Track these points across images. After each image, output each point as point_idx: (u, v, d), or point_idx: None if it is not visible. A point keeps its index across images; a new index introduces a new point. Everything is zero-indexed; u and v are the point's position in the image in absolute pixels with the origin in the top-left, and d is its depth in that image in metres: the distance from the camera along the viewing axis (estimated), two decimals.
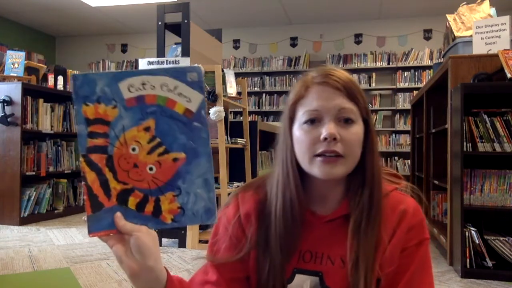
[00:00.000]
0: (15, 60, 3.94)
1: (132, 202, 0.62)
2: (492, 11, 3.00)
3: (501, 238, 2.34)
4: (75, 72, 4.66)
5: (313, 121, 0.76)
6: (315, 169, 0.76)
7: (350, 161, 0.76)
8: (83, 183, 0.61)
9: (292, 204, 0.79)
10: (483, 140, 2.38)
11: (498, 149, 2.37)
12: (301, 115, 0.78)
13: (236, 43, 7.80)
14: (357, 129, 0.77)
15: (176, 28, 3.32)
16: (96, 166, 0.61)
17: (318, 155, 0.75)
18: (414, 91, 6.53)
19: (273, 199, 0.81)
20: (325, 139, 0.74)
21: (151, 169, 0.62)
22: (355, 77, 7.12)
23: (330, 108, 0.75)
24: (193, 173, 0.62)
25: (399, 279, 0.77)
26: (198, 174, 0.62)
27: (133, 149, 0.62)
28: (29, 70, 4.08)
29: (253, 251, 0.81)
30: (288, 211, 0.79)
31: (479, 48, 2.67)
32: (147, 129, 0.61)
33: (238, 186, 3.32)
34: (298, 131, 0.78)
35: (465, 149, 2.39)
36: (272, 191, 0.82)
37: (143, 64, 3.18)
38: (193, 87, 0.61)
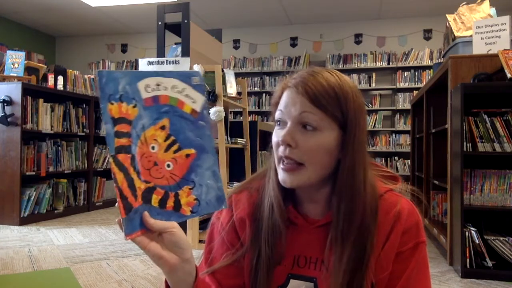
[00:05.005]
0: (15, 60, 3.94)
1: (155, 199, 0.64)
2: (492, 11, 3.00)
3: (501, 238, 2.34)
4: (76, 72, 4.66)
5: (280, 123, 0.76)
6: (279, 175, 0.76)
7: (312, 170, 0.73)
8: (114, 185, 0.61)
9: (280, 207, 0.78)
10: (483, 140, 2.38)
11: (498, 149, 2.36)
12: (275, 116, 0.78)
13: (236, 43, 7.80)
14: (320, 138, 0.73)
15: (176, 28, 3.32)
16: (123, 166, 0.62)
17: (280, 159, 0.75)
18: (414, 91, 6.53)
19: (265, 202, 0.80)
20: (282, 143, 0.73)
21: (168, 166, 0.65)
22: (354, 77, 7.08)
23: (291, 113, 0.74)
24: (203, 166, 0.67)
25: (394, 284, 0.75)
26: (207, 167, 0.67)
27: (153, 148, 0.64)
28: (29, 70, 4.08)
29: (247, 256, 0.80)
30: (277, 214, 0.78)
31: (479, 48, 2.67)
32: (162, 127, 0.65)
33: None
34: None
35: (465, 149, 2.39)
36: (264, 194, 0.82)
37: (143, 64, 3.18)
38: (196, 89, 0.67)
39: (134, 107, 0.63)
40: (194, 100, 0.67)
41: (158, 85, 0.64)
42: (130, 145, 0.62)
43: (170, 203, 0.65)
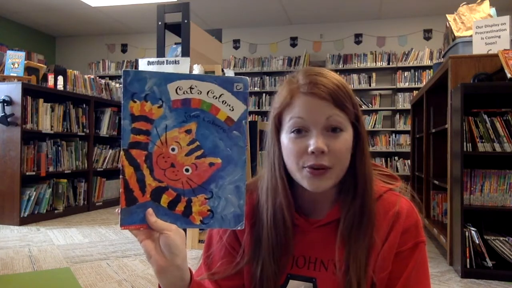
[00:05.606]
0: (15, 60, 3.94)
1: (164, 200, 0.64)
2: (492, 11, 3.00)
3: (501, 238, 2.34)
4: (76, 72, 4.66)
5: (300, 131, 0.73)
6: (305, 182, 0.74)
7: (337, 171, 0.74)
8: (120, 176, 0.62)
9: (282, 212, 0.77)
10: (483, 140, 2.38)
11: (498, 149, 2.36)
12: (287, 123, 0.75)
13: (236, 43, 7.80)
14: (346, 137, 0.74)
15: (176, 28, 3.31)
16: (135, 161, 0.62)
17: (306, 167, 0.73)
18: (414, 91, 6.53)
19: (264, 207, 0.80)
20: (313, 152, 0.71)
21: (187, 170, 0.64)
22: (354, 77, 7.08)
23: (317, 119, 0.72)
24: (227, 179, 0.65)
25: (394, 284, 0.76)
26: (231, 181, 0.65)
27: (173, 149, 0.64)
28: (29, 70, 4.08)
29: (247, 258, 0.80)
30: (279, 219, 0.77)
31: (479, 48, 2.67)
32: (188, 131, 0.64)
33: None
34: (286, 139, 0.75)
35: (465, 149, 2.39)
36: (262, 198, 0.81)
37: (143, 64, 3.18)
38: (237, 97, 0.65)
39: (159, 107, 0.63)
40: (232, 108, 0.64)
41: (192, 88, 0.63)
42: (147, 142, 0.63)
43: (181, 207, 0.64)
